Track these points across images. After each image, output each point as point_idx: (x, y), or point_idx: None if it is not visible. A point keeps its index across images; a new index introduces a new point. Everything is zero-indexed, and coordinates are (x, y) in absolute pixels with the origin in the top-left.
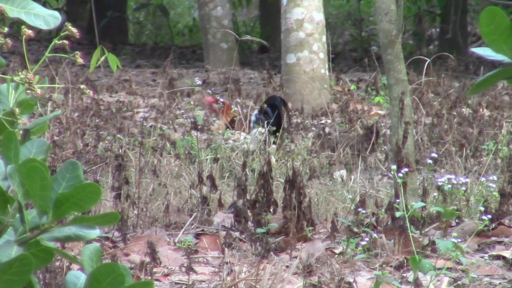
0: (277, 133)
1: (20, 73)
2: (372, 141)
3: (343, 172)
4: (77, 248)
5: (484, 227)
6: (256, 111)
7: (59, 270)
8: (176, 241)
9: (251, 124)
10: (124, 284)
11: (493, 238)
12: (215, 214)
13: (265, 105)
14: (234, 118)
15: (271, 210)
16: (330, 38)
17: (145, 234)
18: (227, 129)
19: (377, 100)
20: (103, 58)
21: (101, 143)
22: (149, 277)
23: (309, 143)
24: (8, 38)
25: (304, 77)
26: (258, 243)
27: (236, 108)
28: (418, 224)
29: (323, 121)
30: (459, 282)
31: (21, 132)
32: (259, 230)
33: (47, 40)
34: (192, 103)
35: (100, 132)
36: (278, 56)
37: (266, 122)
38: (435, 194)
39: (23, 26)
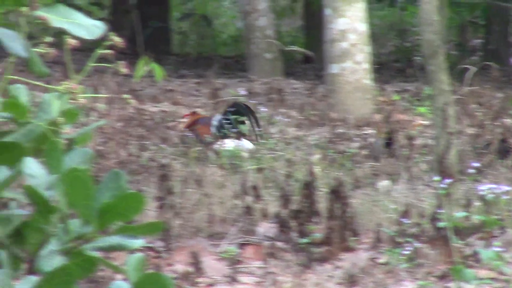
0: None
1: (63, 82)
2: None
3: (387, 182)
4: (120, 258)
5: None
6: (218, 116)
7: (102, 280)
8: (219, 251)
9: (212, 129)
10: None
11: None
12: (258, 224)
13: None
14: (197, 121)
15: (315, 220)
16: (373, 49)
17: (188, 244)
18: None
19: (421, 111)
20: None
21: (144, 153)
22: (193, 287)
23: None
24: (51, 48)
25: (348, 87)
26: (301, 253)
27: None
28: (461, 234)
29: (366, 132)
30: None
31: (65, 141)
32: (302, 240)
33: (91, 49)
34: None
35: (144, 142)
36: (322, 66)
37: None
38: (478, 203)
39: (66, 36)
